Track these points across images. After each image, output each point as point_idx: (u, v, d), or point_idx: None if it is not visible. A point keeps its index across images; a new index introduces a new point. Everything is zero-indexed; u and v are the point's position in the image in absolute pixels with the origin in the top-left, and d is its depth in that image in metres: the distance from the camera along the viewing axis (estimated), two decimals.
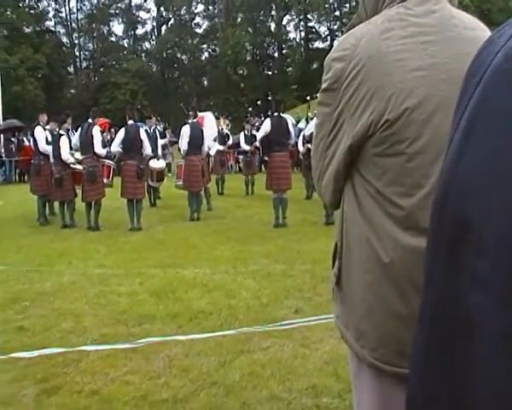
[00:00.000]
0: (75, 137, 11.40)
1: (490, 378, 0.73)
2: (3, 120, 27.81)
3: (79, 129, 11.39)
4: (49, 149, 11.63)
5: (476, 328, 0.76)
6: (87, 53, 61.46)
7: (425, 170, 1.40)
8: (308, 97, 23.71)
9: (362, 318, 1.52)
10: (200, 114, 14.27)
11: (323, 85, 1.55)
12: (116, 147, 11.04)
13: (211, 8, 60.92)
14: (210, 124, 15.25)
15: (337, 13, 58.48)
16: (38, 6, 57.31)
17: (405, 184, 1.42)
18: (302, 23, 59.72)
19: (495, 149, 0.76)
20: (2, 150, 24.31)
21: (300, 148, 13.59)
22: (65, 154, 11.10)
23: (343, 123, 1.51)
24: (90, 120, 11.14)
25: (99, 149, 10.95)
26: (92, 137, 10.85)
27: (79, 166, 11.11)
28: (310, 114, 18.25)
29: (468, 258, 0.77)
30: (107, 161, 11.55)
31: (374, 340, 1.50)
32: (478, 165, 0.78)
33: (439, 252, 0.85)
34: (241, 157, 20.78)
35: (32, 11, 55.34)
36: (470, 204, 0.78)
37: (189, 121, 12.09)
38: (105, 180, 11.25)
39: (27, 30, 53.63)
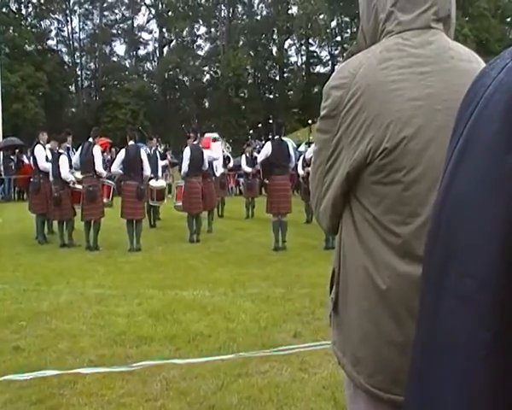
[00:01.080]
0: (75, 157, 11.39)
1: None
2: (3, 137, 27.92)
3: (80, 148, 11.38)
4: (49, 166, 11.64)
5: (461, 351, 0.77)
6: (89, 72, 61.95)
7: (421, 199, 1.42)
8: (310, 121, 23.86)
9: (358, 344, 1.53)
10: (206, 135, 14.37)
11: (322, 113, 1.57)
12: (116, 168, 11.04)
13: (213, 30, 61.49)
14: (216, 146, 15.34)
15: (338, 38, 59.09)
16: (41, 25, 57.85)
17: (402, 212, 1.44)
18: (303, 47, 60.30)
19: (481, 176, 0.78)
20: (2, 168, 24.32)
21: (300, 171, 13.59)
22: (64, 172, 11.10)
23: (341, 150, 1.52)
24: (90, 140, 11.14)
25: (100, 167, 10.95)
26: (93, 156, 10.85)
27: (79, 186, 11.10)
28: (311, 138, 18.35)
29: (455, 280, 0.79)
30: (107, 181, 11.57)
31: (370, 366, 1.50)
32: (466, 192, 0.81)
33: (430, 279, 0.87)
34: (241, 180, 20.85)
35: (34, 30, 55.80)
36: (458, 229, 0.81)
37: (190, 143, 12.13)
38: (105, 200, 11.25)
39: (29, 48, 54.01)
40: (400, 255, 1.43)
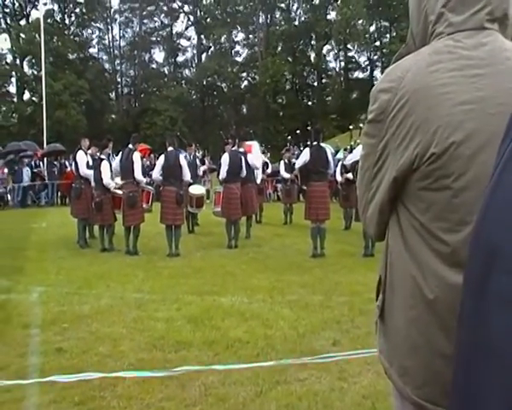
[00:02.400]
0: (115, 163, 11.54)
1: None
2: (47, 143, 28.49)
3: (120, 154, 11.54)
4: (89, 173, 11.84)
5: (500, 354, 0.76)
6: (128, 79, 62.77)
7: (471, 206, 1.37)
8: (351, 126, 23.70)
9: (406, 354, 1.50)
10: (246, 143, 14.41)
11: (369, 116, 1.55)
12: (157, 174, 11.12)
13: (251, 36, 61.65)
14: (257, 154, 15.38)
15: (377, 43, 58.62)
16: (83, 34, 58.95)
17: (451, 219, 1.40)
18: (342, 53, 59.94)
19: None
20: (45, 173, 24.84)
21: (339, 178, 13.56)
22: (106, 179, 11.28)
23: (388, 155, 1.50)
24: (130, 146, 11.29)
25: (139, 175, 11.08)
26: (133, 162, 10.99)
27: (119, 191, 11.25)
28: (352, 143, 18.22)
29: (496, 280, 0.78)
30: (147, 187, 11.71)
31: (418, 378, 1.47)
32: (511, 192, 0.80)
33: (470, 283, 0.87)
34: (279, 186, 20.83)
35: (76, 38, 56.93)
36: (501, 230, 0.79)
37: (229, 149, 12.20)
38: (144, 205, 11.37)
39: (71, 56, 55.13)
40: (449, 264, 1.40)
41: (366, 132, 1.59)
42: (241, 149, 12.81)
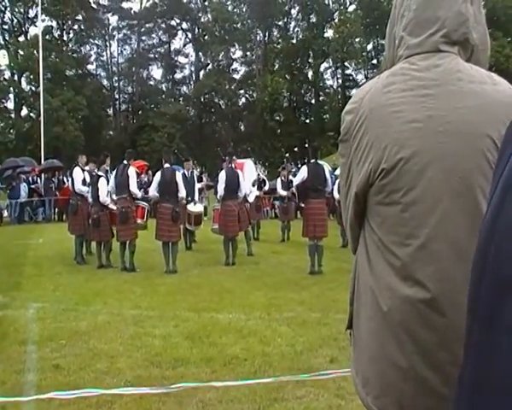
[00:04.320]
0: (111, 180, 11.56)
1: None
2: (44, 159, 28.52)
3: (115, 170, 11.56)
4: (84, 190, 11.88)
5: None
6: (126, 96, 62.85)
7: (419, 221, 1.43)
8: None
9: (366, 365, 1.55)
10: (238, 161, 14.40)
11: (340, 137, 1.64)
12: (153, 191, 11.14)
13: (248, 54, 61.89)
14: (250, 170, 15.37)
15: (374, 61, 58.90)
16: (81, 50, 59.13)
17: (401, 233, 1.46)
18: (339, 71, 60.23)
19: None
20: (43, 190, 24.83)
21: (336, 195, 13.55)
22: (103, 196, 11.29)
23: (353, 173, 1.58)
24: (125, 162, 11.33)
25: (134, 188, 11.11)
26: (127, 177, 11.01)
27: (115, 207, 11.25)
28: None
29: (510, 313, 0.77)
30: (142, 203, 11.68)
31: (376, 388, 1.52)
32: None
33: (479, 313, 0.84)
34: (277, 203, 20.83)
35: (74, 55, 57.08)
36: (510, 263, 0.78)
37: (226, 167, 12.22)
38: (139, 221, 11.33)
39: (69, 73, 55.27)
40: (400, 277, 1.44)
41: (339, 152, 1.68)
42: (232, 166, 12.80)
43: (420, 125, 1.45)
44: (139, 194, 11.42)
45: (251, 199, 14.41)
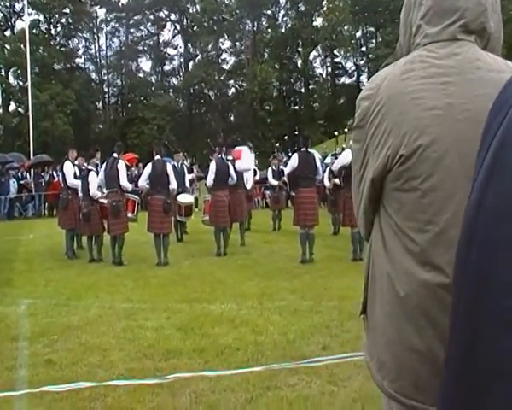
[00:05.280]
0: (100, 174, 11.50)
1: None
2: (33, 155, 28.39)
3: (104, 164, 11.51)
4: (77, 183, 11.81)
5: (509, 377, 0.75)
6: (115, 89, 62.63)
7: (438, 207, 1.45)
8: (336, 132, 23.76)
9: (382, 349, 1.56)
10: (236, 149, 14.39)
11: (354, 123, 1.64)
12: (143, 182, 11.13)
13: (237, 44, 61.78)
14: (248, 158, 15.36)
15: (363, 48, 58.96)
16: (69, 44, 58.79)
17: (420, 219, 1.47)
18: (329, 59, 60.26)
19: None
20: (32, 185, 24.70)
21: (327, 183, 13.59)
22: (93, 190, 11.24)
23: (369, 158, 1.59)
24: (115, 155, 11.27)
25: (125, 181, 11.06)
26: (117, 171, 10.96)
27: (106, 201, 11.21)
28: (337, 149, 18.28)
29: (497, 304, 0.77)
30: (132, 196, 11.65)
31: (393, 371, 1.53)
32: (501, 205, 0.79)
33: (462, 300, 0.85)
34: (267, 192, 20.85)
35: (62, 49, 56.76)
36: (492, 254, 0.79)
37: (216, 157, 12.21)
38: (129, 214, 11.32)
39: (57, 67, 54.98)
40: (419, 263, 1.46)
41: (353, 138, 1.69)
42: (230, 157, 12.82)
43: (440, 112, 1.46)
44: (130, 187, 11.37)
45: (249, 186, 14.42)
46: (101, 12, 60.12)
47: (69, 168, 12.15)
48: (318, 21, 58.04)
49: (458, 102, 1.46)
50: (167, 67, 63.59)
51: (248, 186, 14.39)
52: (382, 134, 1.52)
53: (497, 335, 0.77)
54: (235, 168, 12.41)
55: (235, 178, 12.09)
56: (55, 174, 23.77)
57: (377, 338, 1.59)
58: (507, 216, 0.78)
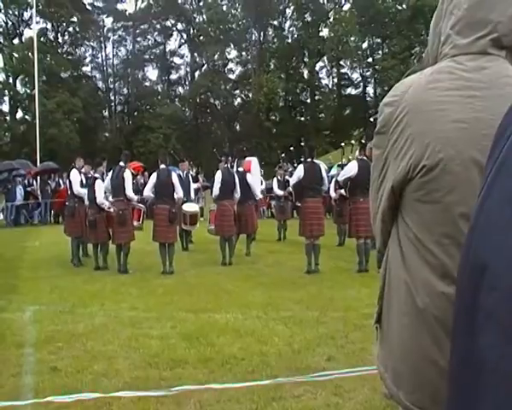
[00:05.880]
0: (106, 181, 11.52)
1: None
2: (40, 162, 28.47)
3: (111, 172, 11.54)
4: (83, 192, 11.83)
5: (489, 370, 0.77)
6: (122, 97, 62.90)
7: (459, 221, 1.42)
8: (342, 143, 23.80)
9: (399, 359, 1.54)
10: (247, 159, 14.40)
11: (376, 128, 1.63)
12: (149, 192, 11.14)
13: (244, 54, 61.99)
14: (256, 168, 15.37)
15: (370, 59, 59.05)
16: (76, 52, 59.14)
17: (440, 232, 1.45)
18: (335, 69, 60.41)
19: (510, 197, 0.81)
20: (39, 192, 24.77)
21: (333, 194, 13.58)
22: (100, 198, 11.26)
23: (389, 165, 1.57)
24: (121, 164, 11.30)
25: (130, 192, 11.09)
26: (123, 180, 10.99)
27: (112, 209, 11.22)
28: (344, 160, 18.30)
29: (483, 297, 0.80)
30: (138, 205, 11.67)
31: (410, 383, 1.51)
32: (496, 207, 0.83)
33: (463, 300, 0.88)
34: (273, 202, 20.84)
35: (69, 57, 57.10)
36: (487, 243, 0.83)
37: (222, 166, 12.23)
38: (135, 223, 11.33)
39: (64, 75, 55.26)
40: (438, 275, 1.44)
41: (374, 144, 1.67)
42: (241, 169, 12.85)
43: (465, 125, 1.44)
44: (135, 198, 11.40)
45: (258, 197, 14.42)
46: (108, 21, 60.68)
47: (76, 176, 12.17)
48: (325, 32, 58.34)
49: (485, 117, 1.43)
50: (173, 76, 63.92)
51: (257, 197, 14.19)
52: (405, 142, 1.50)
53: (482, 325, 0.81)
54: (246, 181, 12.44)
55: (239, 192, 12.06)
56: (61, 182, 23.84)
57: (393, 349, 1.57)
58: (496, 222, 0.82)
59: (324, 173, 11.00)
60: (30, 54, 44.15)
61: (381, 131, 1.59)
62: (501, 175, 0.85)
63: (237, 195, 11.98)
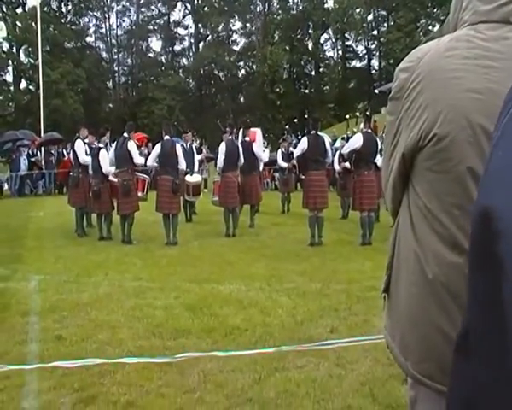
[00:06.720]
0: (111, 152, 11.51)
1: None
2: (44, 132, 28.44)
3: (115, 143, 11.52)
4: (89, 160, 11.79)
5: None
6: (125, 68, 62.60)
7: (470, 192, 1.39)
8: (347, 116, 23.68)
9: (407, 329, 1.53)
10: (251, 130, 14.36)
11: (390, 94, 1.60)
12: (152, 161, 11.14)
13: (248, 25, 61.47)
14: (260, 141, 15.32)
15: (375, 32, 58.52)
16: (80, 22, 58.70)
17: (450, 203, 1.43)
18: (339, 42, 59.90)
19: None
20: (43, 162, 24.79)
21: (337, 166, 13.56)
22: (106, 167, 11.25)
23: (401, 132, 1.54)
24: (125, 134, 11.28)
25: (138, 158, 11.14)
26: (128, 151, 10.97)
27: (116, 180, 11.22)
28: (348, 133, 18.22)
29: (500, 248, 0.80)
30: (142, 175, 11.67)
31: (417, 353, 1.50)
32: (502, 162, 0.83)
33: (475, 258, 0.88)
34: (277, 175, 20.81)
35: (73, 27, 56.68)
36: (495, 194, 0.83)
37: (226, 138, 12.19)
38: (139, 194, 11.33)
39: (68, 45, 54.93)
40: (448, 246, 1.42)
41: (387, 110, 1.64)
42: (247, 138, 12.85)
43: (479, 96, 1.40)
44: (143, 162, 11.42)
45: (264, 160, 14.38)
46: None
47: (80, 146, 12.15)
48: (329, 4, 57.75)
49: (500, 89, 1.33)
50: (177, 48, 63.49)
51: (259, 168, 14.28)
52: (418, 109, 1.47)
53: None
54: (252, 150, 12.46)
55: (242, 160, 12.08)
56: (65, 152, 23.83)
57: (401, 319, 1.56)
58: (506, 177, 0.82)
59: (328, 146, 10.96)
60: (33, 23, 43.81)
61: (395, 96, 1.56)
62: (498, 148, 0.85)
63: (240, 163, 11.97)
